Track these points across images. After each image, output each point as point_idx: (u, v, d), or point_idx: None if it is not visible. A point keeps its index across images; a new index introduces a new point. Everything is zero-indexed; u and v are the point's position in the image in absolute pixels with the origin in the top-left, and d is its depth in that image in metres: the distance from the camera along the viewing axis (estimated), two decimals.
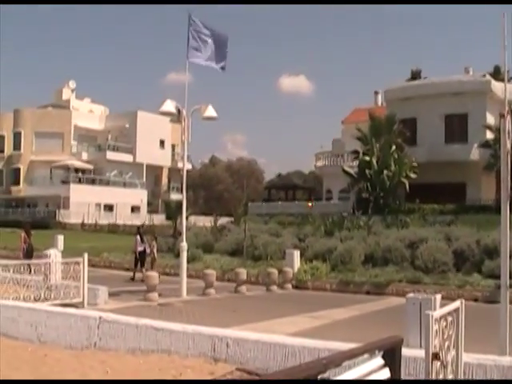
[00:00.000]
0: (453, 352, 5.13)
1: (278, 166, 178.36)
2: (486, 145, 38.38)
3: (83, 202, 57.90)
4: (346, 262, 22.55)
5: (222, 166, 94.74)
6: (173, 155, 75.16)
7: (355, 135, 41.14)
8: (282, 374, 3.08)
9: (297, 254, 23.01)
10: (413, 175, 38.39)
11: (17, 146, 69.29)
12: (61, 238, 29.97)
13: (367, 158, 38.39)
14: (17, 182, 68.86)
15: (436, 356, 4.63)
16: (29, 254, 21.90)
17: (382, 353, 4.12)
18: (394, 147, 38.81)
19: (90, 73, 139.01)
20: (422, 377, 4.92)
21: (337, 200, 47.17)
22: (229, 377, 7.46)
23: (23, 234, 23.00)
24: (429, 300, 9.08)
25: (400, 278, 20.42)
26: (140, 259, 23.08)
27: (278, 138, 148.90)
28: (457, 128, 42.08)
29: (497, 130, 33.05)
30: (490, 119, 39.96)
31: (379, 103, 56.51)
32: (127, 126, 69.94)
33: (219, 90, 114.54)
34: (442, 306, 6.38)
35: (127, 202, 63.81)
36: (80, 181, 64.44)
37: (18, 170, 69.11)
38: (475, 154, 40.74)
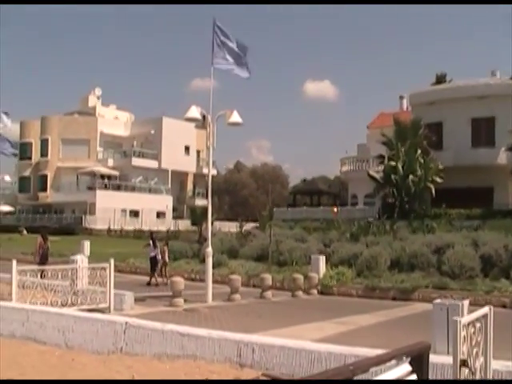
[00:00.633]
0: (481, 359, 5.06)
1: (302, 171, 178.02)
2: None
3: (109, 208, 58.29)
4: (372, 268, 22.39)
5: (247, 172, 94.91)
6: (198, 161, 75.38)
7: (380, 140, 40.94)
8: (308, 379, 3.06)
9: (322, 259, 22.92)
10: (439, 180, 38.06)
11: (44, 152, 70.02)
12: (87, 244, 30.21)
13: (393, 163, 38.16)
14: (44, 189, 69.56)
15: (464, 363, 4.57)
16: (44, 258, 22.19)
17: (409, 359, 4.08)
18: (419, 152, 38.55)
19: (115, 80, 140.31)
20: None
21: (362, 205, 46.95)
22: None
23: (39, 239, 23.15)
24: (456, 306, 8.98)
25: (426, 283, 20.22)
26: (152, 264, 23.61)
27: (302, 144, 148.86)
28: (483, 132, 41.73)
29: None
30: None
31: (404, 108, 56.18)
32: (152, 132, 70.26)
33: (244, 95, 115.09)
34: (469, 312, 6.31)
35: (153, 208, 64.09)
36: (106, 187, 64.89)
37: (45, 176, 69.82)
38: (502, 157, 40.33)
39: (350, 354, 7.37)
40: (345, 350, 7.63)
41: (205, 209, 25.94)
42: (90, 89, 77.66)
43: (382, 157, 41.49)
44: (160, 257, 23.63)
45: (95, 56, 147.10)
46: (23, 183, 72.11)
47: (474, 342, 4.85)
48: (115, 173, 67.40)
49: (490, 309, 5.27)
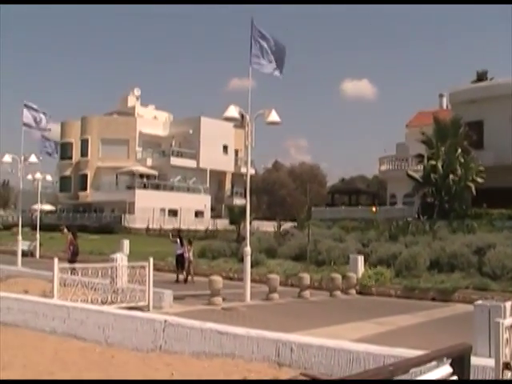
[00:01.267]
0: None
1: (340, 170, 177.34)
2: None
3: (148, 207, 58.71)
4: (411, 268, 22.20)
5: (285, 171, 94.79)
6: (236, 160, 75.54)
7: (419, 139, 40.47)
8: (348, 379, 3.05)
9: (361, 259, 22.80)
10: (479, 179, 37.45)
11: (84, 152, 70.97)
12: (126, 243, 30.54)
13: (433, 162, 37.71)
14: (84, 188, 70.49)
15: (507, 366, 4.51)
16: (75, 255, 23.01)
17: (450, 360, 4.03)
18: (459, 151, 38.00)
19: (154, 80, 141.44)
20: None
21: (401, 205, 46.52)
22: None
23: (70, 237, 23.94)
24: (498, 307, 8.80)
25: (467, 284, 19.97)
26: (179, 262, 24.24)
27: (340, 143, 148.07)
28: None
29: None
30: None
31: (444, 106, 55.50)
32: (191, 131, 70.58)
33: (282, 94, 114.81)
34: None
35: (191, 207, 64.36)
36: (145, 186, 65.43)
37: (85, 176, 70.73)
38: None
39: (388, 354, 7.30)
40: (383, 350, 7.56)
41: (243, 208, 26.01)
42: (129, 89, 78.43)
43: (421, 156, 41.02)
44: (186, 254, 24.14)
45: (134, 57, 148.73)
46: (64, 183, 73.22)
47: None
48: (154, 172, 67.92)
49: None
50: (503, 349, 4.44)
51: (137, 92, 77.47)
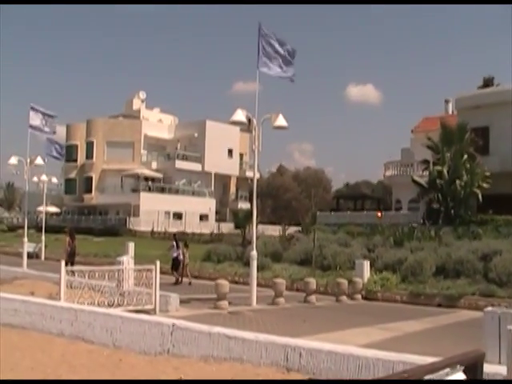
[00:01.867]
0: None
1: (345, 174, 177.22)
2: None
3: (153, 210, 58.66)
4: (417, 274, 22.14)
5: (290, 175, 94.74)
6: (241, 164, 75.55)
7: (425, 144, 40.39)
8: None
9: (366, 264, 22.77)
10: (485, 185, 37.34)
11: (89, 155, 71.06)
12: (131, 245, 30.49)
13: (438, 168, 37.65)
14: (89, 190, 70.59)
15: None
16: (72, 255, 24.59)
17: (463, 367, 4.01)
18: (465, 156, 37.93)
19: (159, 83, 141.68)
20: None
21: (406, 210, 46.43)
22: None
23: (68, 238, 25.18)
24: (508, 314, 8.81)
25: (473, 290, 19.91)
26: (174, 264, 24.44)
27: (345, 147, 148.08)
28: None
29: None
30: None
31: (450, 111, 55.39)
32: (196, 135, 70.59)
33: (286, 98, 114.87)
34: None
35: (196, 211, 64.36)
36: (150, 189, 65.44)
37: (90, 178, 70.82)
38: None
39: (398, 360, 7.29)
40: (393, 356, 7.54)
41: (248, 212, 26.04)
42: (134, 92, 78.45)
43: (426, 162, 40.95)
44: (182, 257, 24.57)
45: (139, 60, 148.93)
46: (69, 185, 73.32)
47: None
48: (159, 175, 67.98)
49: None
50: None
51: (142, 95, 77.52)
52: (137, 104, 77.02)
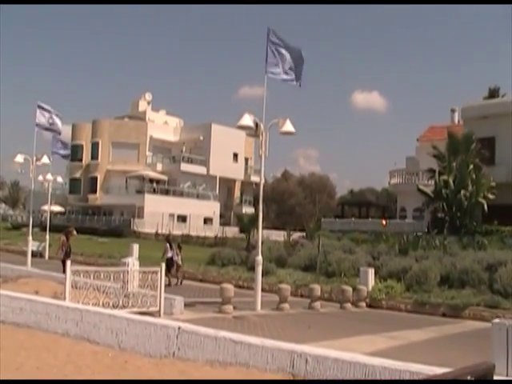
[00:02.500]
0: None
1: (349, 181, 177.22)
2: None
3: (157, 212, 58.71)
4: (422, 283, 22.08)
5: (294, 181, 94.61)
6: (246, 168, 75.55)
7: (430, 153, 40.36)
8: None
9: (371, 271, 22.72)
10: (491, 196, 37.29)
11: (94, 155, 71.19)
12: (136, 247, 30.52)
13: (444, 177, 37.61)
14: (94, 191, 70.68)
15: None
16: (67, 254, 24.58)
17: (473, 379, 3.98)
18: (471, 167, 37.90)
19: (165, 85, 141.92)
20: None
21: (411, 219, 46.37)
22: None
23: (63, 238, 25.14)
24: None
25: (478, 301, 19.82)
26: (169, 265, 24.19)
27: (350, 154, 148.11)
28: None
29: None
30: None
31: (456, 121, 55.34)
32: (201, 138, 70.66)
33: (292, 104, 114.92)
34: None
35: (200, 214, 64.43)
36: (154, 191, 65.49)
37: (95, 178, 70.92)
38: None
39: (405, 369, 7.23)
40: (400, 365, 7.48)
41: (252, 216, 26.02)
42: (140, 94, 78.61)
43: (432, 171, 40.91)
44: (176, 258, 24.85)
45: (146, 61, 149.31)
46: (74, 184, 73.41)
47: None
48: (164, 177, 68.03)
49: None
50: None
51: (148, 97, 77.63)
52: (143, 105, 77.14)
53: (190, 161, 69.99)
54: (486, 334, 12.75)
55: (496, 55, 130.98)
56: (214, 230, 54.91)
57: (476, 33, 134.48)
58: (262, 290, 19.01)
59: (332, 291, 22.27)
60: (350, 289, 20.52)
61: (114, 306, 14.00)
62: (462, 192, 36.85)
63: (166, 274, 24.33)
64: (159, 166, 69.96)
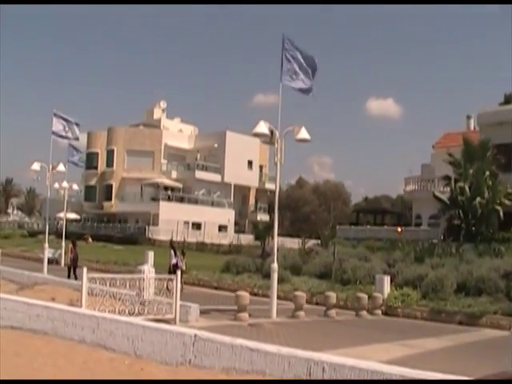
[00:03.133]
0: None
1: (364, 188, 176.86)
2: None
3: (172, 220, 58.73)
4: (438, 290, 21.94)
5: (309, 188, 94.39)
6: (260, 176, 75.49)
7: (446, 160, 40.19)
8: None
9: (387, 279, 22.60)
10: (508, 202, 37.06)
11: (109, 163, 71.31)
12: (151, 254, 30.59)
13: (460, 184, 37.41)
14: (109, 198, 70.82)
15: None
16: (74, 261, 26.53)
17: None
18: (487, 173, 37.68)
19: (180, 93, 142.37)
20: None
21: (426, 226, 46.15)
22: None
23: (70, 245, 27.05)
24: None
25: (495, 309, 19.67)
26: (172, 271, 24.09)
27: (364, 161, 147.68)
28: None
29: None
30: None
31: (471, 127, 55.09)
32: (216, 145, 70.67)
33: (306, 111, 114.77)
34: None
35: (215, 221, 64.43)
36: (169, 198, 65.57)
37: (110, 186, 71.06)
38: None
39: (424, 379, 7.17)
40: (418, 374, 7.42)
41: (267, 224, 25.99)
42: (155, 101, 78.85)
43: (447, 178, 40.72)
44: (180, 264, 24.42)
45: (161, 69, 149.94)
46: (89, 192, 73.61)
47: None
48: (178, 185, 68.10)
49: None
50: None
51: (163, 104, 77.86)
52: (157, 113, 77.40)
53: (205, 168, 70.07)
54: (503, 342, 12.65)
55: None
56: (228, 238, 54.92)
57: (491, 39, 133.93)
58: (277, 297, 18.90)
59: (347, 299, 22.19)
60: (365, 296, 20.42)
61: (130, 314, 14.02)
62: (478, 199, 36.64)
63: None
64: (174, 174, 70.05)
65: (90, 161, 70.63)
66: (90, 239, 55.47)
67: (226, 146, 70.16)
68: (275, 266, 18.36)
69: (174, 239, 54.00)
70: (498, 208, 36.84)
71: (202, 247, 49.73)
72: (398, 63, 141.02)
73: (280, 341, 12.69)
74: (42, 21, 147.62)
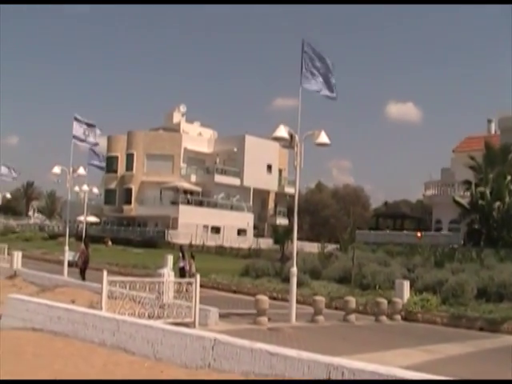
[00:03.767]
0: None
1: (383, 193, 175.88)
2: None
3: (191, 223, 58.87)
4: (458, 296, 21.75)
5: (328, 192, 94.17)
6: (279, 180, 75.46)
7: (466, 164, 39.98)
8: None
9: (407, 284, 22.43)
10: None
11: (129, 166, 71.67)
12: (170, 258, 30.71)
13: (481, 189, 37.17)
14: (128, 202, 71.14)
15: None
16: (86, 263, 27.25)
17: None
18: (508, 178, 37.42)
19: (199, 97, 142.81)
20: None
21: (446, 231, 45.86)
22: None
23: (82, 247, 27.69)
24: None
25: None
26: (180, 274, 24.27)
27: (384, 165, 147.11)
28: None
29: None
30: None
31: (492, 131, 54.71)
32: (235, 149, 70.80)
33: (325, 115, 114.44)
34: None
35: (234, 225, 64.52)
36: (188, 202, 65.76)
37: (130, 189, 71.40)
38: None
39: None
40: (439, 380, 7.38)
41: (287, 228, 25.96)
42: (174, 105, 79.10)
43: (468, 182, 40.50)
44: (188, 268, 24.84)
45: (180, 74, 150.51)
46: (109, 195, 74.06)
47: None
48: (198, 189, 68.28)
49: None
50: None
51: (182, 108, 78.09)
52: (177, 117, 77.67)
53: (224, 172, 70.22)
54: None
55: None
56: (247, 242, 54.91)
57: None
58: (297, 301, 18.82)
59: (367, 304, 22.08)
60: (385, 301, 20.29)
61: (150, 317, 14.06)
62: (499, 203, 36.39)
63: None
64: (193, 178, 70.24)
65: (110, 164, 70.98)
66: (110, 242, 55.82)
67: (246, 149, 70.28)
68: (294, 270, 18.32)
69: (193, 243, 54.34)
70: None
71: (221, 251, 49.76)
72: (419, 67, 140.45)
73: (299, 345, 12.63)
74: (63, 23, 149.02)
